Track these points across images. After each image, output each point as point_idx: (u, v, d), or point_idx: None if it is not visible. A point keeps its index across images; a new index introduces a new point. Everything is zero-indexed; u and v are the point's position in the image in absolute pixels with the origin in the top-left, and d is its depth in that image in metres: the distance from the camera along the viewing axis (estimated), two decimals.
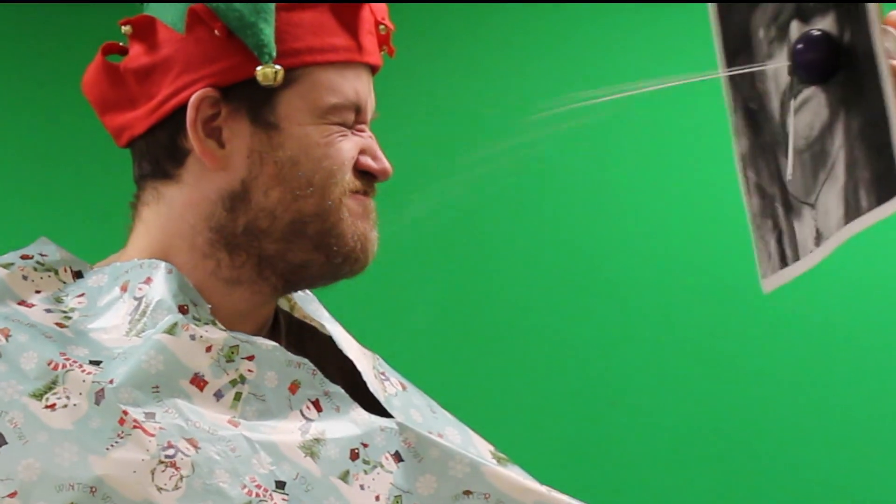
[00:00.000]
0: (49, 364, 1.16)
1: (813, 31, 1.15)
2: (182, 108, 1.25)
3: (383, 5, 1.33)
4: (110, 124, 1.30)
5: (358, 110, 1.28)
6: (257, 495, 1.14)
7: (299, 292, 1.38)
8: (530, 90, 3.13)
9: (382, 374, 1.33)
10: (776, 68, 1.20)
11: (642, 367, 3.09)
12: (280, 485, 1.16)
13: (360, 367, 1.30)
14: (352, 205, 1.28)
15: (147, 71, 1.27)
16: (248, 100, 1.25)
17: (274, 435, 1.19)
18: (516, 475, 1.24)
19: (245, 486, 1.14)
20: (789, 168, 1.20)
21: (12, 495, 1.10)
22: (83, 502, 1.10)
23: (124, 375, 1.16)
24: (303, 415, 1.22)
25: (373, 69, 1.32)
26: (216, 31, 1.24)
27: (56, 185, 3.35)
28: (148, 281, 1.25)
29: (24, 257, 1.30)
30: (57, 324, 1.22)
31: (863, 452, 2.96)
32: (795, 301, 2.84)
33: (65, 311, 1.24)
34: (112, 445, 1.12)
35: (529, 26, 3.22)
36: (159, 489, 1.12)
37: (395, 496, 1.21)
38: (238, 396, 1.20)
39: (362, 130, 1.30)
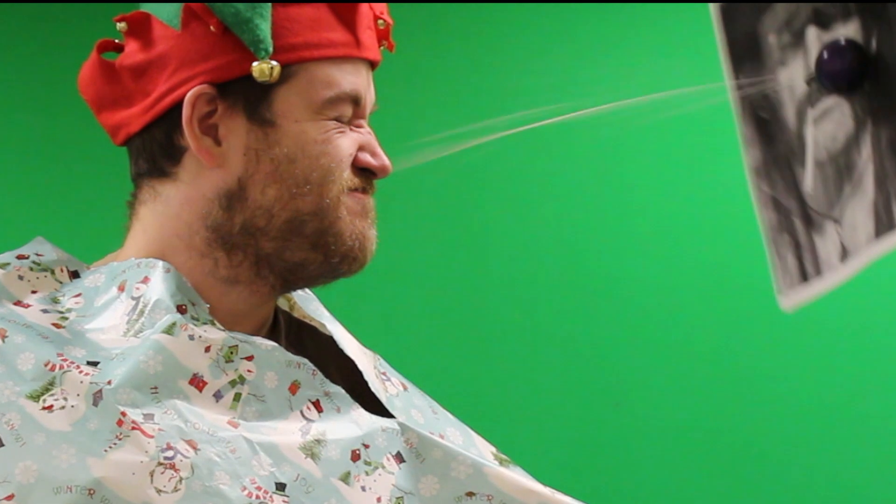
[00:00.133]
0: (46, 365, 1.15)
1: (839, 39, 1.12)
2: (178, 106, 1.24)
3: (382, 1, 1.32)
4: (106, 122, 1.29)
5: (356, 104, 1.27)
6: (257, 497, 1.13)
7: (299, 291, 1.36)
8: (530, 89, 3.12)
9: (383, 374, 1.32)
10: (791, 74, 1.17)
11: (646, 367, 3.09)
12: (280, 486, 1.15)
13: (361, 366, 1.29)
14: (350, 203, 1.26)
15: (143, 68, 1.26)
16: (245, 96, 1.24)
17: (274, 436, 1.18)
18: (519, 476, 1.23)
19: (245, 488, 1.13)
20: (809, 180, 1.16)
21: (9, 498, 1.09)
22: None
23: (122, 376, 1.15)
24: (303, 415, 1.21)
25: (372, 65, 1.30)
26: (212, 28, 1.23)
27: (52, 184, 3.34)
28: (145, 280, 1.23)
29: (19, 257, 1.29)
30: (54, 324, 1.21)
31: (870, 454, 2.95)
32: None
33: (61, 312, 1.23)
34: (110, 447, 1.11)
35: (531, 22, 3.21)
36: (158, 491, 1.10)
37: (397, 497, 1.20)
38: (237, 397, 1.19)
39: (361, 126, 1.29)
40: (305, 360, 1.23)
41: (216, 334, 1.20)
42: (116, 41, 1.29)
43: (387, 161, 1.29)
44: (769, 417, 3.01)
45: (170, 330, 1.18)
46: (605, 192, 3.12)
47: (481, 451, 1.29)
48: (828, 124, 1.15)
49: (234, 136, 1.24)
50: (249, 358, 1.21)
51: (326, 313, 1.38)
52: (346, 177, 1.26)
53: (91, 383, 1.14)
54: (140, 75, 1.26)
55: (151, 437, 1.12)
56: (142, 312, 1.21)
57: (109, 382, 1.14)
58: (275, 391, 1.21)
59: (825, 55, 1.13)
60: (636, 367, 3.09)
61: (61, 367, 1.15)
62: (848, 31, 1.12)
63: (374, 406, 1.26)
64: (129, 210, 1.31)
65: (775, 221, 1.21)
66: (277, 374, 1.21)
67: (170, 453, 1.12)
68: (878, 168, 1.11)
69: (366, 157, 1.28)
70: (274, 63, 1.22)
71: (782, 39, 1.18)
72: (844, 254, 1.14)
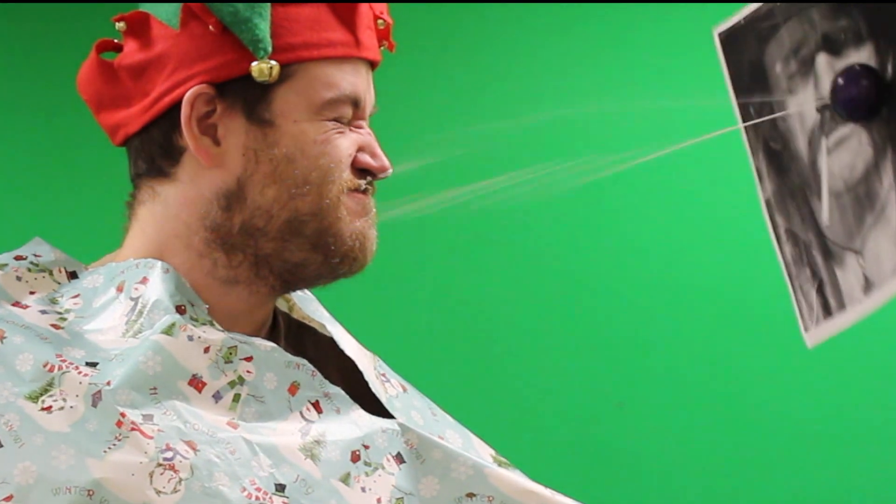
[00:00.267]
0: (45, 366, 1.15)
1: (854, 66, 1.10)
2: (177, 106, 1.24)
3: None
4: (105, 122, 1.29)
5: (356, 105, 1.27)
6: (257, 498, 1.13)
7: (298, 292, 1.36)
8: (530, 89, 3.12)
9: (383, 375, 1.32)
10: (800, 103, 1.15)
11: (649, 367, 3.08)
12: (280, 487, 1.15)
13: (361, 366, 1.29)
14: (349, 203, 1.26)
15: (141, 68, 1.25)
16: (244, 96, 1.24)
17: (274, 437, 1.17)
18: (519, 477, 1.23)
19: (245, 489, 1.13)
20: (825, 212, 1.15)
21: (8, 499, 1.09)
22: None
23: (122, 377, 1.14)
24: (303, 416, 1.20)
25: (372, 65, 1.30)
26: (210, 27, 1.23)
27: (50, 184, 3.33)
28: (144, 281, 1.23)
29: (17, 258, 1.28)
30: (52, 325, 1.21)
31: (872, 456, 2.95)
32: None
33: (60, 313, 1.23)
34: (110, 448, 1.11)
35: (531, 22, 3.21)
36: (158, 492, 1.10)
37: (398, 498, 1.19)
38: (237, 398, 1.19)
39: (360, 127, 1.28)
40: (305, 361, 1.23)
41: (215, 335, 1.20)
42: (115, 41, 1.29)
43: (386, 162, 1.28)
44: (773, 418, 3.00)
45: (169, 331, 1.18)
46: (609, 190, 3.12)
47: (480, 453, 1.29)
48: (844, 153, 1.13)
49: (232, 136, 1.24)
50: (249, 359, 1.21)
51: (326, 314, 1.37)
52: (346, 177, 1.25)
53: (90, 384, 1.14)
54: (139, 75, 1.25)
55: (151, 437, 1.12)
56: (140, 313, 1.21)
57: (109, 383, 1.14)
58: (274, 392, 1.20)
59: (841, 82, 1.11)
60: (639, 368, 3.08)
61: (60, 367, 1.15)
62: (861, 56, 1.11)
63: (374, 407, 1.26)
64: (127, 210, 1.30)
65: (794, 256, 1.19)
66: (277, 374, 1.21)
67: (169, 454, 1.11)
68: None
69: (365, 158, 1.27)
70: (273, 63, 1.22)
71: (790, 68, 1.17)
72: (868, 285, 1.12)
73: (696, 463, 3.04)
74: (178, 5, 1.23)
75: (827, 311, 1.17)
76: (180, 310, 1.21)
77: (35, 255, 1.29)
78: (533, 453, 3.00)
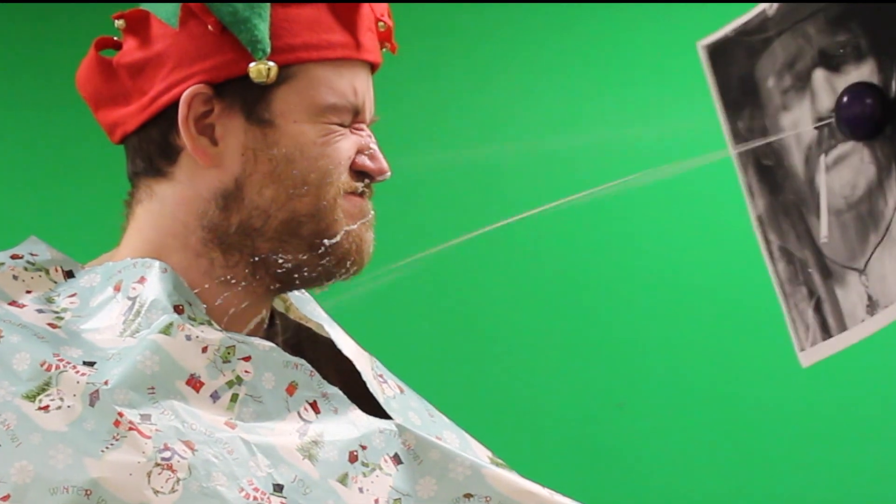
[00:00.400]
0: (42, 365, 1.14)
1: (859, 83, 1.09)
2: (175, 105, 1.23)
3: (383, 2, 1.31)
4: (104, 120, 1.29)
5: (356, 109, 1.26)
6: (255, 498, 1.13)
7: (295, 292, 1.36)
8: (529, 89, 3.12)
9: (380, 376, 1.32)
10: (796, 119, 1.14)
11: (650, 367, 3.08)
12: (278, 488, 1.15)
13: (359, 367, 1.28)
14: (346, 206, 1.26)
15: (140, 66, 1.25)
16: (242, 96, 1.23)
17: (271, 437, 1.17)
18: (517, 478, 1.23)
19: (243, 489, 1.13)
20: (824, 230, 1.13)
21: (5, 498, 1.08)
22: None
23: (119, 376, 1.14)
24: (300, 417, 1.20)
25: (372, 67, 1.30)
26: (210, 27, 1.22)
27: (47, 183, 3.32)
28: (142, 280, 1.23)
29: (14, 257, 1.28)
30: (49, 324, 1.20)
31: (872, 457, 2.95)
32: None
33: (56, 312, 1.23)
34: (107, 447, 1.10)
35: (530, 22, 3.21)
36: (156, 492, 1.10)
37: (395, 499, 1.19)
38: (235, 398, 1.18)
39: (361, 129, 1.28)
40: (303, 361, 1.23)
41: (213, 335, 1.20)
42: (115, 38, 1.29)
43: (385, 165, 1.28)
44: (772, 419, 3.00)
45: (167, 330, 1.18)
46: (609, 193, 3.11)
47: (477, 454, 1.29)
48: (844, 171, 1.12)
49: (231, 136, 1.24)
50: (247, 358, 1.20)
51: (324, 314, 1.37)
52: (344, 180, 1.25)
53: (87, 383, 1.13)
54: (137, 73, 1.25)
55: (149, 437, 1.11)
56: (138, 312, 1.20)
57: (106, 383, 1.14)
58: (272, 392, 1.20)
59: (845, 100, 1.10)
60: (639, 368, 3.08)
61: (57, 367, 1.14)
62: (862, 73, 1.09)
63: (371, 408, 1.25)
64: (125, 210, 1.30)
65: (789, 274, 1.18)
66: (275, 374, 1.21)
67: (167, 454, 1.11)
68: None
69: (364, 161, 1.27)
70: (271, 64, 1.22)
71: (784, 83, 1.15)
72: (872, 305, 1.11)
73: (696, 463, 3.04)
74: (178, 4, 1.23)
75: (826, 331, 1.16)
76: (178, 309, 1.21)
77: (31, 254, 1.29)
78: (533, 453, 3.01)
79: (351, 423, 1.21)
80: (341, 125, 1.26)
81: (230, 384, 1.19)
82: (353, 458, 1.19)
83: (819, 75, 1.13)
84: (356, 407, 1.23)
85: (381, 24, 1.29)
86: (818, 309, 1.16)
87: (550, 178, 3.02)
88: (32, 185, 3.32)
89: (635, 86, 3.10)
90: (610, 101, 3.10)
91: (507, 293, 3.18)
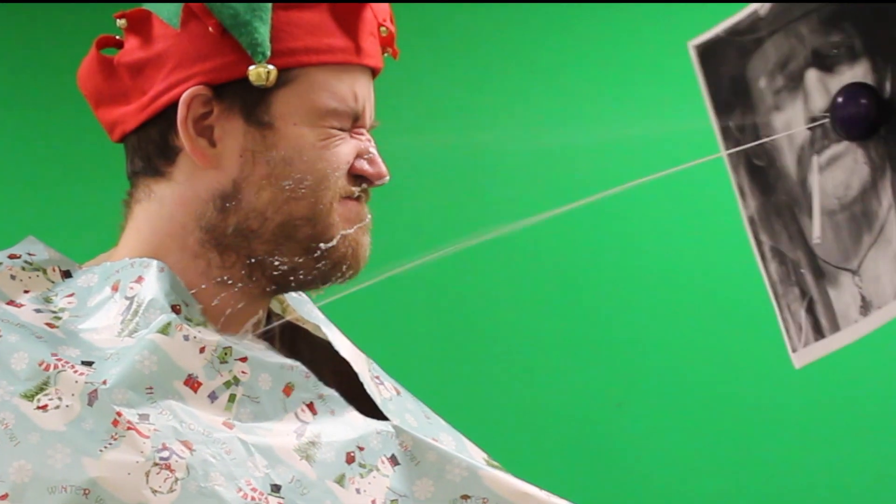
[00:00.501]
0: (40, 364, 1.14)
1: (854, 84, 1.09)
2: (174, 105, 1.24)
3: (386, 7, 1.31)
4: (104, 119, 1.29)
5: (356, 116, 1.27)
6: (253, 499, 1.13)
7: (292, 294, 1.36)
8: (527, 89, 3.12)
9: (377, 378, 1.32)
10: (788, 119, 1.14)
11: (649, 367, 3.07)
12: (275, 488, 1.15)
13: (356, 368, 1.29)
14: (343, 210, 1.26)
15: (140, 65, 1.25)
16: (242, 99, 1.24)
17: (269, 438, 1.17)
18: (514, 479, 1.23)
19: (241, 490, 1.13)
20: (817, 230, 1.13)
21: (3, 497, 1.08)
22: None
23: (118, 376, 1.14)
24: (297, 418, 1.20)
25: (374, 72, 1.30)
26: (210, 28, 1.22)
27: (45, 183, 3.31)
28: (139, 280, 1.23)
29: (11, 257, 1.28)
30: (47, 324, 1.20)
31: (871, 457, 2.95)
32: None
33: (54, 312, 1.23)
34: (106, 447, 1.10)
35: (528, 23, 3.21)
36: (154, 491, 1.10)
37: (392, 500, 1.19)
38: (232, 398, 1.19)
39: (361, 133, 1.28)
40: (298, 363, 1.23)
41: (211, 335, 1.20)
42: (117, 37, 1.29)
43: (384, 169, 1.28)
44: (772, 418, 3.00)
45: (165, 330, 1.18)
46: (606, 188, 3.11)
47: (473, 457, 1.29)
48: (837, 171, 1.11)
49: (230, 138, 1.24)
50: (244, 359, 1.21)
51: (321, 315, 1.37)
52: (341, 184, 1.25)
53: (86, 383, 1.14)
54: (138, 73, 1.25)
55: (147, 437, 1.12)
56: (136, 312, 1.20)
57: (104, 382, 1.14)
58: (269, 393, 1.20)
59: (840, 101, 1.09)
60: (639, 367, 3.08)
61: (56, 366, 1.15)
62: (856, 73, 1.09)
63: (368, 410, 1.26)
64: (124, 209, 1.30)
65: (781, 274, 1.18)
66: (271, 375, 1.21)
67: (165, 454, 1.11)
68: None
69: (363, 165, 1.27)
70: (271, 67, 1.22)
71: (776, 83, 1.15)
72: (865, 306, 1.11)
73: (696, 463, 3.03)
74: (180, 5, 1.23)
75: (818, 332, 1.16)
76: (176, 309, 1.21)
77: (29, 254, 1.29)
78: (531, 454, 3.02)
79: (348, 425, 1.22)
80: (341, 129, 1.26)
81: (227, 384, 1.19)
82: (350, 459, 1.20)
83: (812, 76, 1.13)
84: (353, 408, 1.23)
85: (382, 28, 1.29)
86: (811, 310, 1.16)
87: (547, 179, 3.03)
88: (30, 184, 3.31)
89: (632, 85, 3.10)
90: (607, 101, 3.10)
91: (504, 294, 3.17)
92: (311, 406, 1.22)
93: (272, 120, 1.24)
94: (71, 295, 1.25)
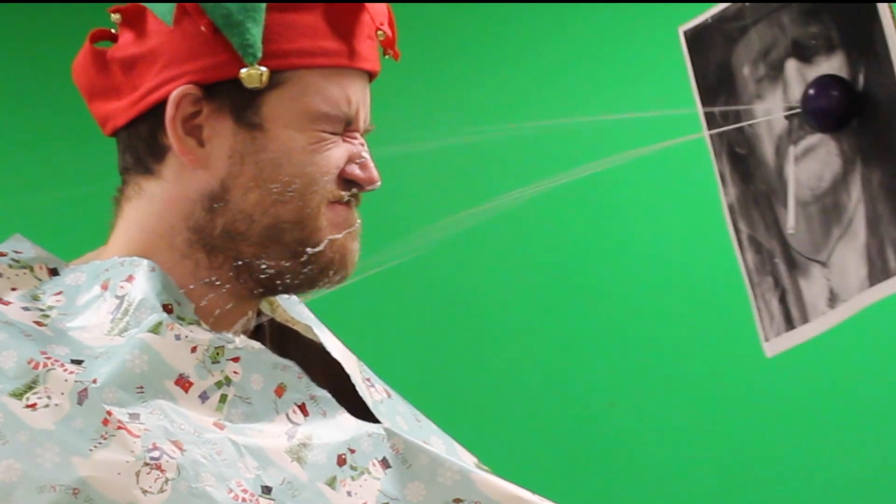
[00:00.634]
0: (29, 363, 1.13)
1: (826, 75, 1.09)
2: (164, 103, 1.22)
3: (384, 9, 1.29)
4: (96, 112, 1.28)
5: (349, 121, 1.26)
6: (244, 500, 1.12)
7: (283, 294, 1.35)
8: (525, 89, 3.12)
9: (367, 380, 1.31)
10: (768, 109, 1.14)
11: (641, 367, 3.07)
12: (266, 490, 1.14)
13: (348, 369, 1.28)
14: (331, 215, 1.25)
15: (132, 61, 1.24)
16: (232, 99, 1.22)
17: (260, 439, 1.16)
18: (506, 483, 1.22)
19: (231, 491, 1.12)
20: (791, 221, 1.13)
21: None
22: None
23: (108, 375, 1.13)
24: (289, 419, 1.19)
25: (371, 75, 1.28)
26: (202, 28, 1.21)
27: (31, 182, 3.30)
28: (130, 279, 1.22)
29: None
30: (35, 322, 1.19)
31: (866, 455, 2.95)
32: None
33: (42, 310, 1.21)
34: (96, 446, 1.09)
35: (526, 23, 3.21)
36: (144, 492, 1.08)
37: (383, 503, 1.18)
38: (224, 398, 1.17)
39: (354, 137, 1.27)
40: (292, 363, 1.22)
41: (202, 335, 1.19)
42: (112, 31, 1.28)
43: (375, 174, 1.27)
44: (764, 417, 3.00)
45: (156, 329, 1.17)
46: (597, 188, 3.11)
47: (464, 461, 1.28)
48: (811, 163, 1.12)
49: (219, 138, 1.23)
50: (236, 359, 1.20)
51: (312, 316, 1.36)
52: (330, 188, 1.24)
53: (76, 382, 1.12)
54: (130, 68, 1.24)
55: (137, 437, 1.10)
56: (126, 311, 1.19)
57: (95, 381, 1.13)
58: (260, 393, 1.19)
59: (812, 92, 1.10)
60: (630, 367, 3.08)
61: (45, 364, 1.13)
62: (832, 65, 1.10)
63: (358, 412, 1.25)
64: (114, 206, 1.29)
65: (756, 263, 1.18)
66: (263, 376, 1.20)
67: (156, 454, 1.10)
68: (870, 211, 1.07)
69: (354, 170, 1.26)
70: (263, 69, 1.21)
71: (758, 71, 1.15)
72: (833, 299, 1.11)
73: (689, 462, 3.04)
74: (175, 2, 1.22)
75: (789, 322, 1.17)
76: (167, 308, 1.20)
77: (16, 252, 1.27)
78: (524, 454, 3.01)
79: (339, 427, 1.21)
80: (333, 133, 1.25)
81: (219, 385, 1.18)
82: (341, 461, 1.19)
83: (791, 66, 1.13)
84: (345, 410, 1.23)
85: (379, 32, 1.28)
86: (783, 300, 1.17)
87: (538, 169, 3.03)
88: (16, 183, 3.29)
89: (629, 81, 3.11)
90: (604, 99, 3.11)
91: (494, 294, 3.17)
92: (302, 407, 1.21)
93: (262, 122, 1.23)
94: (59, 293, 1.23)
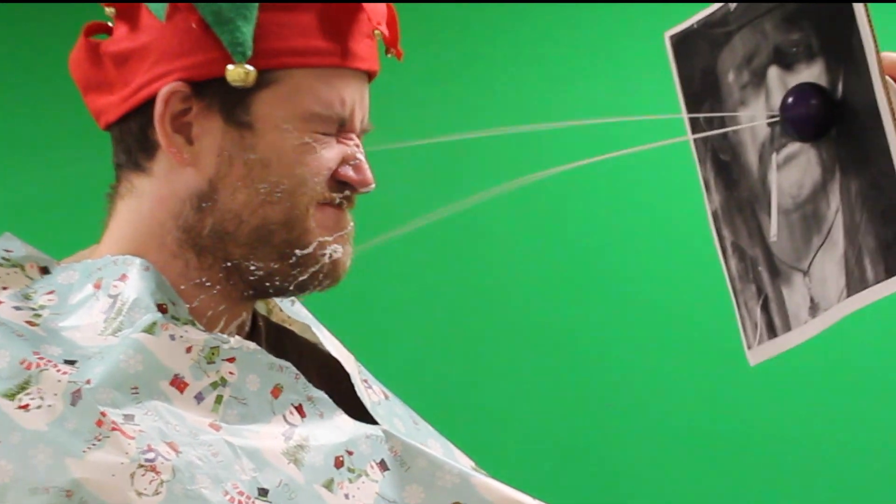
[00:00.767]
0: (22, 363, 1.11)
1: (805, 84, 1.09)
2: (154, 99, 1.21)
3: (383, 9, 1.27)
4: (91, 106, 1.26)
5: (343, 122, 1.24)
6: (240, 502, 1.10)
7: None
8: (524, 89, 3.11)
9: (365, 381, 1.30)
10: (751, 115, 1.13)
11: (639, 367, 3.07)
12: (263, 492, 1.12)
13: (348, 368, 1.26)
14: (321, 217, 1.23)
15: (125, 56, 1.22)
16: (222, 97, 1.20)
17: (256, 440, 1.14)
18: (506, 487, 1.21)
19: (227, 493, 1.10)
20: (773, 229, 1.13)
21: None
22: None
23: (102, 375, 1.11)
24: (286, 420, 1.17)
25: (370, 75, 1.26)
26: (193, 24, 1.19)
27: (22, 179, 3.27)
28: (123, 278, 1.20)
29: None
30: (27, 322, 1.17)
31: (865, 453, 2.95)
32: None
33: (34, 309, 1.19)
34: (90, 448, 1.07)
35: (524, 23, 3.21)
36: (139, 494, 1.06)
37: None
38: (219, 399, 1.16)
39: (349, 138, 1.25)
40: (288, 364, 1.20)
41: (198, 335, 1.17)
42: (108, 24, 1.26)
43: (369, 176, 1.24)
44: (763, 417, 3.00)
45: (150, 329, 1.15)
46: (597, 188, 3.11)
47: (461, 463, 1.27)
48: (793, 171, 1.11)
49: (208, 137, 1.21)
50: (231, 360, 1.18)
51: (310, 315, 1.35)
52: (320, 190, 1.22)
53: (69, 382, 1.10)
54: (122, 63, 1.23)
55: (132, 438, 1.09)
56: (120, 311, 1.17)
57: (88, 382, 1.11)
58: (256, 394, 1.17)
59: (790, 100, 1.10)
60: (629, 368, 3.07)
61: (38, 365, 1.11)
62: (812, 73, 1.09)
63: (355, 413, 1.23)
64: (107, 203, 1.27)
65: (740, 271, 1.18)
66: (259, 376, 1.18)
67: (151, 455, 1.08)
68: (848, 220, 1.07)
69: (347, 171, 1.24)
70: (249, 68, 1.18)
71: (742, 78, 1.15)
72: (814, 308, 1.11)
73: (685, 465, 3.03)
74: None
75: (771, 331, 1.16)
76: (162, 308, 1.18)
77: (6, 251, 1.26)
78: (520, 456, 3.00)
79: (337, 428, 1.19)
80: (326, 134, 1.23)
81: (214, 385, 1.16)
82: (338, 463, 1.17)
83: (773, 73, 1.13)
84: (342, 411, 1.21)
85: (375, 32, 1.26)
86: (765, 308, 1.16)
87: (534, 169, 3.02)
88: (7, 180, 3.27)
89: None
90: (602, 97, 3.11)
91: (493, 296, 3.17)
92: (299, 408, 1.19)
93: (252, 121, 1.21)
94: (51, 292, 1.21)
